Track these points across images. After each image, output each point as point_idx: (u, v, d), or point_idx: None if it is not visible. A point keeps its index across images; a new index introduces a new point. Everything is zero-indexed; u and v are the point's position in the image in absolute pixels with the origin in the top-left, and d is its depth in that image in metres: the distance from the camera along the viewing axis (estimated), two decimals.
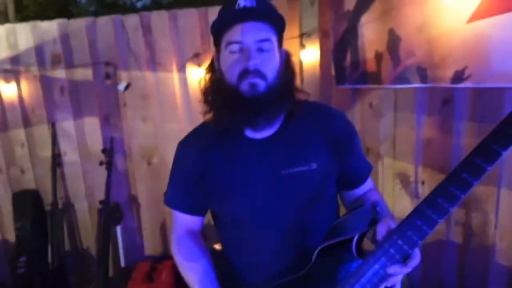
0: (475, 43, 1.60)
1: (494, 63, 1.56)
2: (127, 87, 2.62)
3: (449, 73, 1.74)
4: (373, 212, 0.90)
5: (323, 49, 2.35)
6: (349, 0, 2.13)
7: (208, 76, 1.07)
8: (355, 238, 0.89)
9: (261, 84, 0.95)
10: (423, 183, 2.21)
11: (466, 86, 1.71)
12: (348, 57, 2.19)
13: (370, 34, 2.06)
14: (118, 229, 2.70)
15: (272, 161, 1.03)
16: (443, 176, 0.78)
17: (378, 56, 2.03)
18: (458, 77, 1.71)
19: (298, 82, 1.09)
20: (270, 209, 1.04)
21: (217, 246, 1.40)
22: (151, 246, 2.88)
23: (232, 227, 1.13)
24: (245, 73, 0.95)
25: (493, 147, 0.71)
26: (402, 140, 2.25)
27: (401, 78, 1.94)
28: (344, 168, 1.09)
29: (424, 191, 2.21)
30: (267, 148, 1.04)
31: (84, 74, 2.64)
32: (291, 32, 2.37)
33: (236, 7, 0.96)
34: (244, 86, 0.95)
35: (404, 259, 0.80)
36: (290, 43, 2.34)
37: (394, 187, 2.33)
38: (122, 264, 2.73)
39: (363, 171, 1.15)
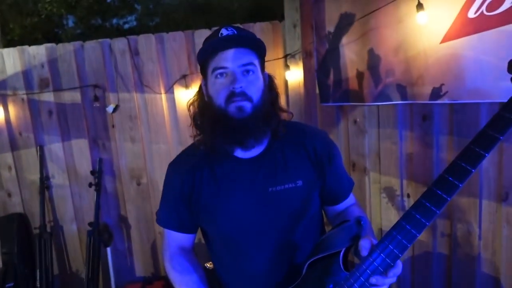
0: (449, 62, 1.69)
1: (467, 80, 1.65)
2: (115, 109, 2.65)
3: (427, 90, 1.82)
4: (358, 227, 0.94)
5: (306, 69, 2.41)
6: (330, 22, 2.21)
7: (196, 102, 1.12)
8: (342, 252, 0.93)
9: (248, 106, 1.00)
10: (408, 196, 2.26)
11: (443, 102, 1.80)
12: (331, 76, 2.26)
13: (351, 54, 2.14)
14: (108, 250, 2.68)
15: (259, 180, 1.07)
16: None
17: (360, 75, 2.11)
18: (436, 93, 1.80)
19: (283, 101, 1.15)
20: (258, 226, 1.07)
21: (208, 265, 1.42)
22: (141, 267, 2.86)
23: (221, 245, 1.16)
24: (232, 95, 1.00)
25: (476, 150, 0.77)
26: (386, 155, 2.31)
27: (382, 96, 2.02)
28: (327, 185, 1.14)
29: (410, 203, 2.25)
30: (254, 167, 1.08)
31: (72, 97, 2.66)
32: (275, 54, 2.44)
33: (220, 36, 1.02)
34: (232, 109, 1.00)
35: (387, 270, 0.84)
36: (275, 64, 2.40)
37: (381, 200, 2.38)
38: (113, 286, 2.70)
39: (345, 187, 1.20)
